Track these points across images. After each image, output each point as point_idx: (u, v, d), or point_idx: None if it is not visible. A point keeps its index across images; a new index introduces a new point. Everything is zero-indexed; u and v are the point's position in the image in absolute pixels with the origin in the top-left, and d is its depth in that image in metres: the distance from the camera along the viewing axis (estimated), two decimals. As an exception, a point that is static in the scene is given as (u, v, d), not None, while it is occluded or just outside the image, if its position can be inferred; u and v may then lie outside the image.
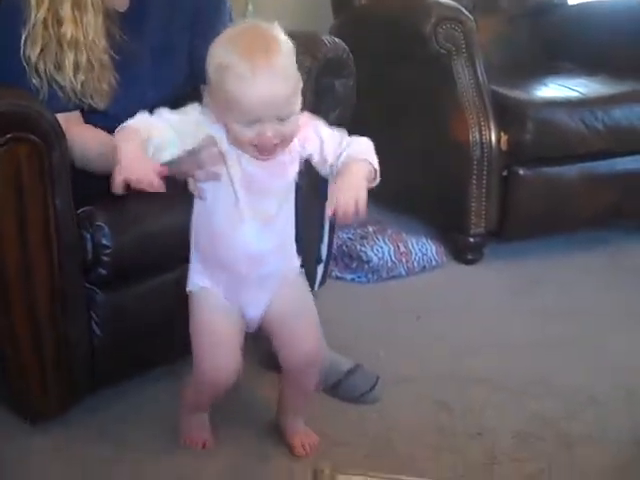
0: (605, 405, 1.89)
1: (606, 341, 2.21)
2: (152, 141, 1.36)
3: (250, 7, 3.24)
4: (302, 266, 1.64)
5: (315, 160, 1.49)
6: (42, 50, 1.65)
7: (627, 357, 2.12)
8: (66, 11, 1.65)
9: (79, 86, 1.69)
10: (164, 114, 1.42)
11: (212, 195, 1.47)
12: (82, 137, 1.69)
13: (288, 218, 1.53)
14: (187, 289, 1.56)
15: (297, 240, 1.59)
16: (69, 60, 1.66)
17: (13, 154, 1.49)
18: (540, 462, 1.69)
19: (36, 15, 1.63)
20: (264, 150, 1.39)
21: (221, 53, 1.36)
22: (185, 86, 1.83)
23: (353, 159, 1.46)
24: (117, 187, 1.32)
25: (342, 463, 1.63)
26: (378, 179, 1.51)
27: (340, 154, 1.47)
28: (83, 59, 1.67)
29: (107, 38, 1.72)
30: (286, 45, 1.38)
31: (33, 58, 1.64)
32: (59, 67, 1.67)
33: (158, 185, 1.31)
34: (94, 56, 1.69)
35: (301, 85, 1.41)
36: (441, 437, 1.77)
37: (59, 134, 1.55)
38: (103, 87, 1.73)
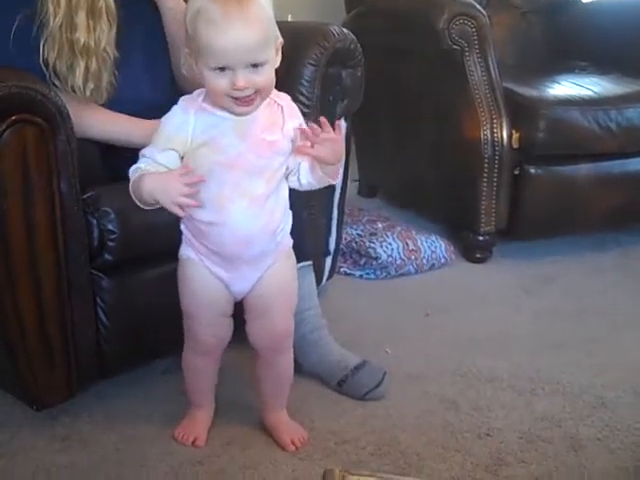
0: (614, 407, 1.87)
1: (615, 341, 2.19)
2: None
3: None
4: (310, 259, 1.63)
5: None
6: (58, 54, 1.69)
7: (636, 358, 2.10)
8: (81, 18, 1.68)
9: (88, 93, 1.73)
10: (153, 157, 1.45)
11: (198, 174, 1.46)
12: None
13: (278, 200, 1.51)
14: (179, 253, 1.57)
15: (300, 233, 1.57)
16: (80, 67, 1.70)
17: (19, 136, 1.48)
18: (547, 464, 1.67)
19: (54, 21, 1.66)
20: (239, 101, 1.39)
21: (196, 1, 1.38)
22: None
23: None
24: (180, 212, 1.41)
25: (349, 461, 1.63)
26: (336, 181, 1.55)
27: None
28: (93, 66, 1.71)
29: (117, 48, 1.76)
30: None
31: (51, 62, 1.69)
32: (72, 72, 1.70)
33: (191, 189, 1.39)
34: (104, 65, 1.73)
35: (279, 40, 1.42)
36: (448, 436, 1.75)
37: (65, 117, 1.53)
38: (104, 91, 1.76)
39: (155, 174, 1.42)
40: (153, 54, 1.89)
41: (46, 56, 1.68)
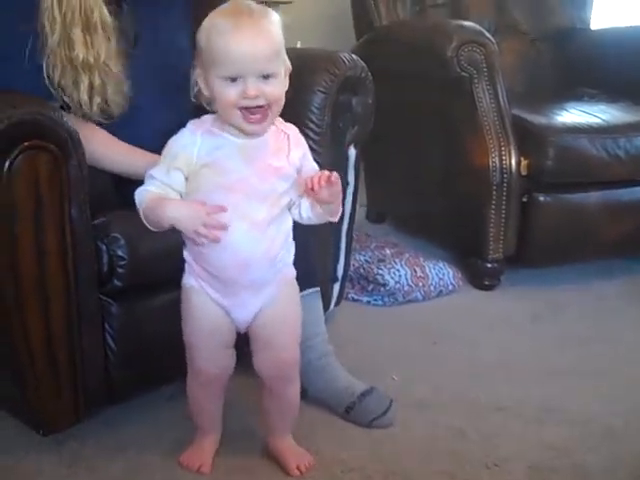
0: (621, 436, 1.86)
1: (623, 370, 2.17)
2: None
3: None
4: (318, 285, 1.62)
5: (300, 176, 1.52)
6: (61, 72, 1.69)
7: (645, 387, 2.09)
8: (77, 34, 1.68)
9: (95, 108, 1.73)
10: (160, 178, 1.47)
11: (202, 197, 1.46)
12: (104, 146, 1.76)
13: (280, 228, 1.52)
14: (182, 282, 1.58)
15: (308, 259, 1.57)
16: (84, 83, 1.70)
17: (31, 163, 1.48)
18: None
19: (52, 38, 1.67)
20: (250, 114, 1.41)
21: (209, 19, 1.43)
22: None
23: None
24: (200, 240, 1.43)
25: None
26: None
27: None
28: (96, 81, 1.71)
29: (122, 59, 1.76)
30: (272, 14, 1.44)
31: (56, 80, 1.69)
32: (77, 88, 1.70)
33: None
34: (107, 78, 1.73)
35: (288, 64, 1.46)
36: (455, 465, 1.74)
37: (76, 143, 1.54)
38: (115, 105, 1.76)
39: (178, 201, 1.45)
40: (171, 78, 1.87)
41: (51, 74, 1.68)
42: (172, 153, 1.47)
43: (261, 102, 1.41)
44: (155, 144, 1.68)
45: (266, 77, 1.40)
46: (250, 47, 1.38)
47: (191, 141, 1.46)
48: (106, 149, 1.76)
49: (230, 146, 1.46)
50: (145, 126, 1.81)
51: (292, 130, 1.52)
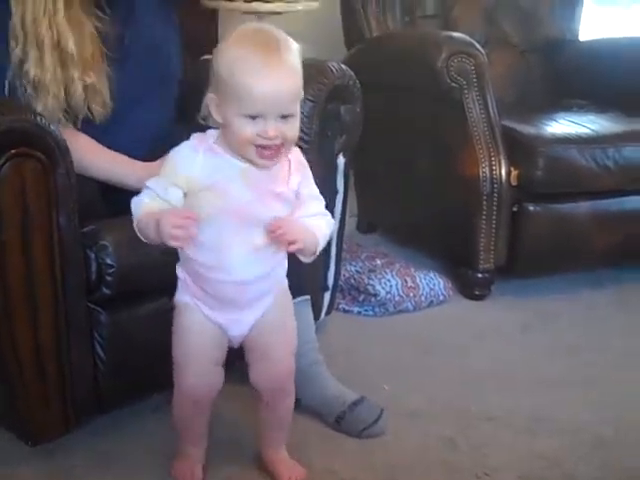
0: (612, 445, 1.86)
1: (613, 379, 2.17)
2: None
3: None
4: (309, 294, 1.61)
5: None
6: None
7: (633, 394, 2.09)
8: (31, 53, 1.69)
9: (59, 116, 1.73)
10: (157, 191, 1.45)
11: (201, 219, 1.44)
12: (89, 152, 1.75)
13: (279, 249, 1.50)
14: (173, 299, 1.56)
15: (298, 268, 1.57)
16: (45, 100, 1.70)
17: (18, 171, 1.48)
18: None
19: (15, 54, 1.69)
20: (264, 150, 1.39)
21: (233, 48, 1.39)
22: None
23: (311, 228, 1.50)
24: (175, 244, 1.41)
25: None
26: (312, 259, 1.53)
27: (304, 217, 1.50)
28: (59, 95, 1.72)
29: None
30: (294, 45, 1.41)
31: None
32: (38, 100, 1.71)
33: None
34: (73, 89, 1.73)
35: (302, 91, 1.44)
36: (446, 475, 1.73)
37: (64, 151, 1.54)
38: (96, 112, 1.78)
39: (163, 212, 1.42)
40: (156, 74, 1.90)
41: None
42: (172, 169, 1.44)
43: (278, 142, 1.39)
44: (143, 145, 1.69)
45: (285, 117, 1.38)
46: (276, 90, 1.36)
47: (192, 159, 1.43)
48: (92, 156, 1.76)
49: (232, 169, 1.43)
50: (131, 127, 1.81)
51: (294, 154, 1.50)
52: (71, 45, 1.71)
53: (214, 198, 1.43)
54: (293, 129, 1.41)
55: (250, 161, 1.42)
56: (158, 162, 1.63)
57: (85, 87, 1.75)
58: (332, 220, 1.58)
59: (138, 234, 1.45)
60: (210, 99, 1.42)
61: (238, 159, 1.43)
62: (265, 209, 1.46)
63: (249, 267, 1.48)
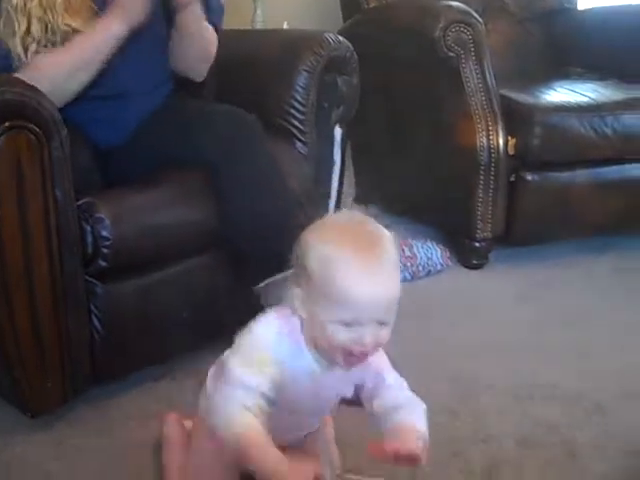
0: (610, 412, 1.86)
1: (611, 346, 2.18)
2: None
3: (259, 11, 3.23)
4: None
5: (363, 391, 1.41)
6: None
7: (632, 362, 2.10)
8: None
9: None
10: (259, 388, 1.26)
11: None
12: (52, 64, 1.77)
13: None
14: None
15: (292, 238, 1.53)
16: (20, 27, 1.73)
17: (12, 143, 1.48)
18: (543, 471, 1.67)
19: None
20: (354, 356, 1.27)
21: (331, 246, 1.24)
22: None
23: (408, 427, 1.37)
24: None
25: (345, 465, 1.62)
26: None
27: (393, 408, 1.39)
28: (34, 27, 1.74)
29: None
30: (392, 240, 1.30)
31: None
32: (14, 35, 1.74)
33: None
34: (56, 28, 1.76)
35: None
36: (446, 443, 1.74)
37: (58, 124, 1.53)
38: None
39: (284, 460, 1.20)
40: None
41: None
42: (259, 353, 1.28)
43: (370, 348, 1.27)
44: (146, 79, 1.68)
45: (382, 323, 1.26)
46: (375, 297, 1.23)
47: (278, 345, 1.29)
48: (57, 67, 1.77)
49: (304, 367, 1.32)
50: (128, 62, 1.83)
51: (376, 359, 1.37)
52: None
53: (277, 391, 1.28)
54: (387, 334, 1.28)
55: (332, 361, 1.31)
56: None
57: (73, 31, 1.77)
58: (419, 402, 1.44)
59: (227, 444, 1.25)
60: (296, 295, 1.28)
61: (317, 361, 1.32)
62: (325, 406, 1.41)
63: (295, 434, 1.44)
